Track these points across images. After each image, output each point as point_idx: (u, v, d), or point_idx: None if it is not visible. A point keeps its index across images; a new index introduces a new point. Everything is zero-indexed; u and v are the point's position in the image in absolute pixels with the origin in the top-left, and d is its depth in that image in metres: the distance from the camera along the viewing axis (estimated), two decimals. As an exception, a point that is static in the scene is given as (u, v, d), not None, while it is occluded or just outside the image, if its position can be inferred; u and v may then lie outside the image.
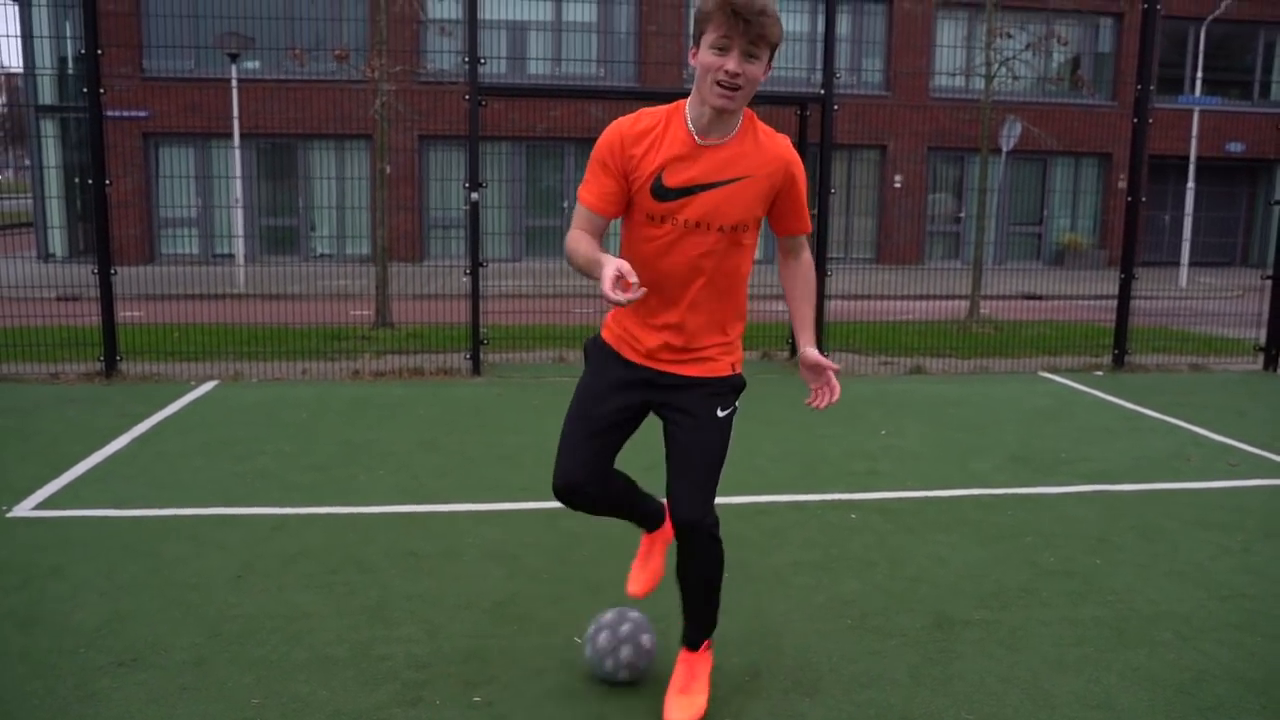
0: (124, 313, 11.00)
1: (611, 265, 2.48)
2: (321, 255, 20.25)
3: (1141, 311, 9.28)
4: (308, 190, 21.43)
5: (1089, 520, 4.86)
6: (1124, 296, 9.07)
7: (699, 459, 2.84)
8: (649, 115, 2.74)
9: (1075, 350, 9.75)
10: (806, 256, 2.96)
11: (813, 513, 4.93)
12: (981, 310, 12.24)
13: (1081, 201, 24.26)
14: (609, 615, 3.25)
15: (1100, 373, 8.94)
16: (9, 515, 4.78)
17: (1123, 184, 23.18)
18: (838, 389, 2.92)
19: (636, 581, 3.35)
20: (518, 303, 10.10)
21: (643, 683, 3.23)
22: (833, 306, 9.23)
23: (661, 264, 2.75)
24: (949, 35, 21.50)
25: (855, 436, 6.49)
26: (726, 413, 2.89)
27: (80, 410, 6.94)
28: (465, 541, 4.48)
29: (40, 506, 4.92)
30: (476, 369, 8.37)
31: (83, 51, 7.70)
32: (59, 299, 9.45)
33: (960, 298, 12.79)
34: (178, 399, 7.29)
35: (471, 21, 7.96)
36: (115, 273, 7.99)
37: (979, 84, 12.78)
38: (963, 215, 22.79)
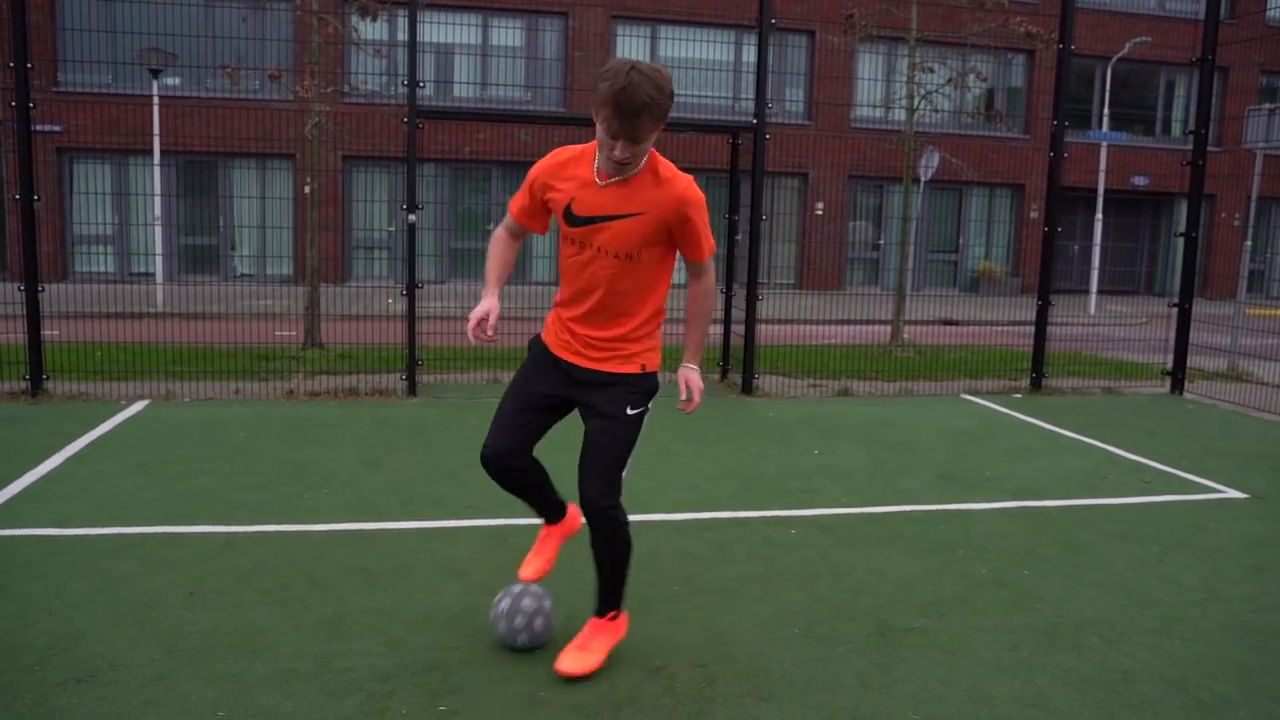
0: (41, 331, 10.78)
1: (481, 309, 3.24)
2: (242, 275, 19.96)
3: (1055, 337, 9.68)
4: (229, 209, 21.12)
5: (1016, 534, 5.10)
6: (1041, 322, 9.45)
7: (604, 448, 3.27)
8: (569, 152, 3.25)
9: (994, 374, 10.12)
10: (705, 281, 3.34)
11: (754, 528, 5.08)
12: (903, 335, 12.60)
13: (996, 230, 25.08)
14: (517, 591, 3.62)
15: (1019, 395, 9.30)
16: (-56, 535, 4.69)
17: (1035, 214, 24.05)
18: (695, 405, 3.38)
19: (530, 566, 3.69)
20: (450, 324, 10.10)
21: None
22: (760, 330, 9.44)
23: (576, 275, 3.27)
24: (869, 68, 22.11)
25: (789, 456, 6.67)
26: (636, 411, 3.31)
27: (7, 429, 6.80)
28: (417, 557, 4.53)
29: (-24, 526, 4.84)
30: (412, 389, 8.39)
31: (10, 64, 7.56)
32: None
33: (882, 322, 13.15)
34: (109, 418, 7.18)
35: (411, 45, 8.03)
36: (43, 289, 7.84)
37: (898, 115, 13.21)
38: (882, 242, 23.38)
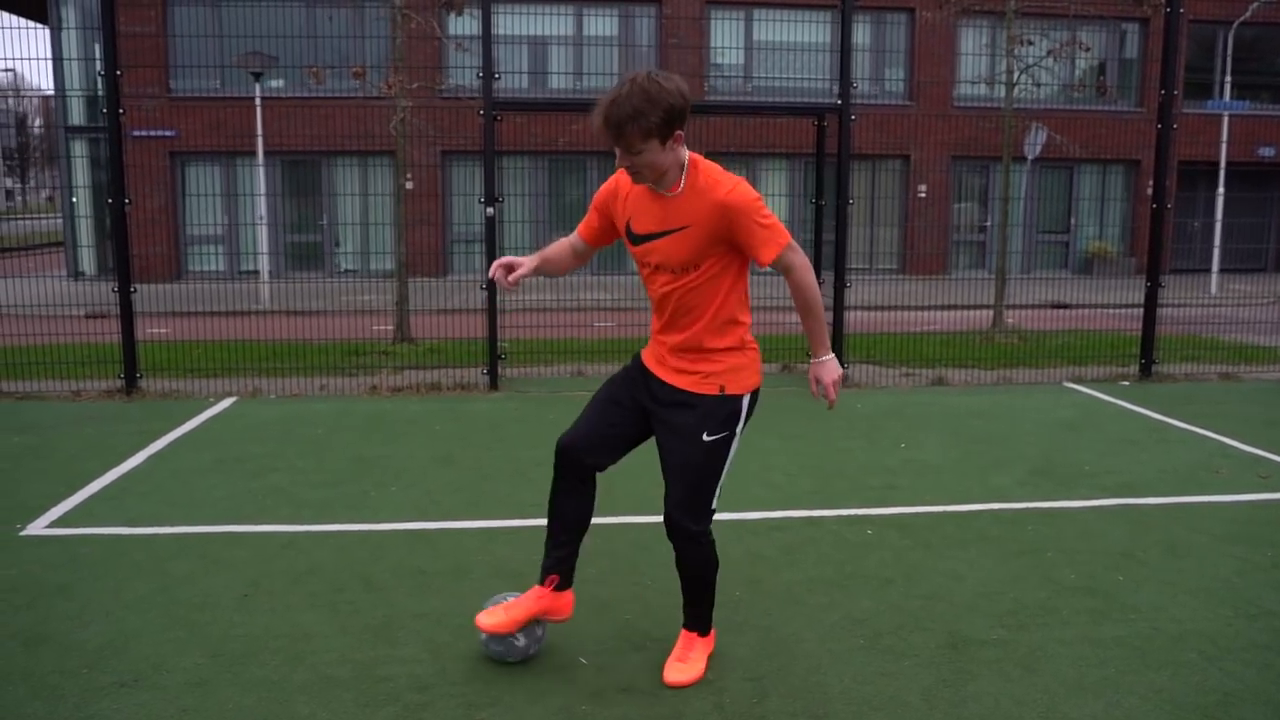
0: (149, 330, 11.09)
1: (514, 259, 3.28)
2: (346, 271, 20.36)
3: (1171, 320, 9.13)
4: (332, 207, 21.56)
5: (1112, 535, 4.74)
6: (1150, 304, 8.92)
7: (682, 474, 3.16)
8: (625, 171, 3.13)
9: (1102, 360, 9.60)
10: (793, 277, 3.09)
11: (828, 528, 4.84)
12: (1007, 320, 12.09)
13: (1109, 209, 24.02)
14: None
15: (1127, 383, 8.79)
16: (22, 534, 4.78)
17: (1150, 190, 22.95)
18: (831, 398, 3.25)
19: (492, 617, 3.37)
20: (537, 316, 10.05)
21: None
22: (853, 318, 9.13)
23: (648, 289, 3.23)
24: (971, 43, 21.38)
25: (874, 450, 6.39)
26: (714, 438, 3.14)
27: (99, 427, 6.96)
28: (474, 559, 4.43)
29: (53, 525, 4.91)
30: (494, 384, 8.34)
31: (101, 74, 7.73)
32: (87, 316, 9.48)
33: (985, 307, 12.64)
34: (196, 415, 7.30)
35: (486, 36, 7.94)
36: (135, 290, 8.02)
37: (1001, 92, 12.66)
38: (987, 224, 22.61)
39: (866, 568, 4.32)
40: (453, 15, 12.39)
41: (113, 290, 7.98)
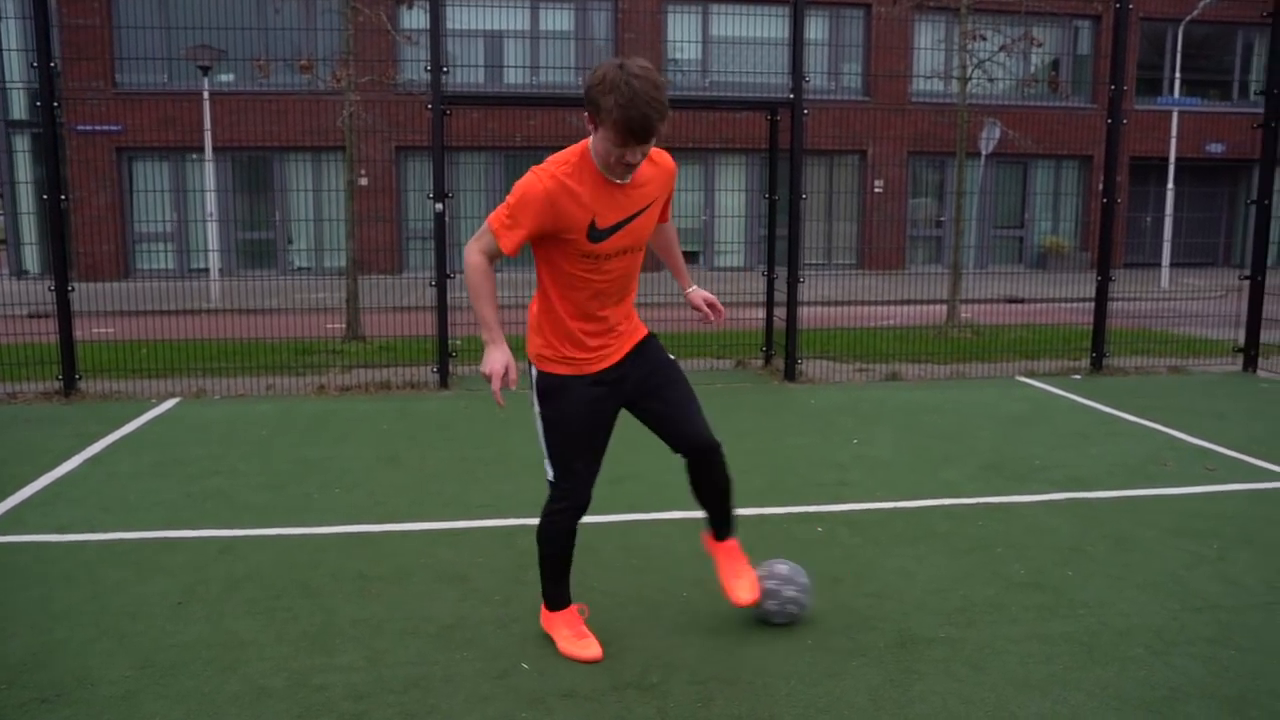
0: (95, 329, 10.84)
1: (501, 362, 3.11)
2: (299, 269, 20.08)
3: (1123, 314, 9.18)
4: (284, 203, 21.25)
5: (1061, 530, 4.73)
6: (1101, 298, 8.96)
7: (687, 396, 3.40)
8: (567, 166, 3.03)
9: (1054, 354, 9.65)
10: (671, 222, 3.55)
11: (778, 526, 4.79)
12: (962, 315, 12.14)
13: (1063, 204, 24.27)
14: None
15: (1078, 376, 8.84)
16: (-54, 542, 4.61)
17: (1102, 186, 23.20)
18: (723, 310, 3.58)
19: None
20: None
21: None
22: (808, 313, 9.10)
23: (598, 285, 3.18)
24: (927, 39, 21.48)
25: (826, 446, 6.36)
26: (674, 357, 3.47)
27: (34, 431, 6.77)
28: (417, 562, 4.33)
29: (-20, 532, 4.75)
30: (444, 382, 8.22)
31: (33, 65, 7.52)
32: (29, 316, 9.24)
33: (941, 302, 12.68)
34: (136, 417, 7.12)
35: (434, 29, 7.81)
36: (73, 289, 7.81)
37: (956, 87, 12.70)
38: (944, 219, 22.75)
39: (816, 566, 4.24)
40: (404, 9, 12.22)
41: (49, 289, 7.76)
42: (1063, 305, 13.78)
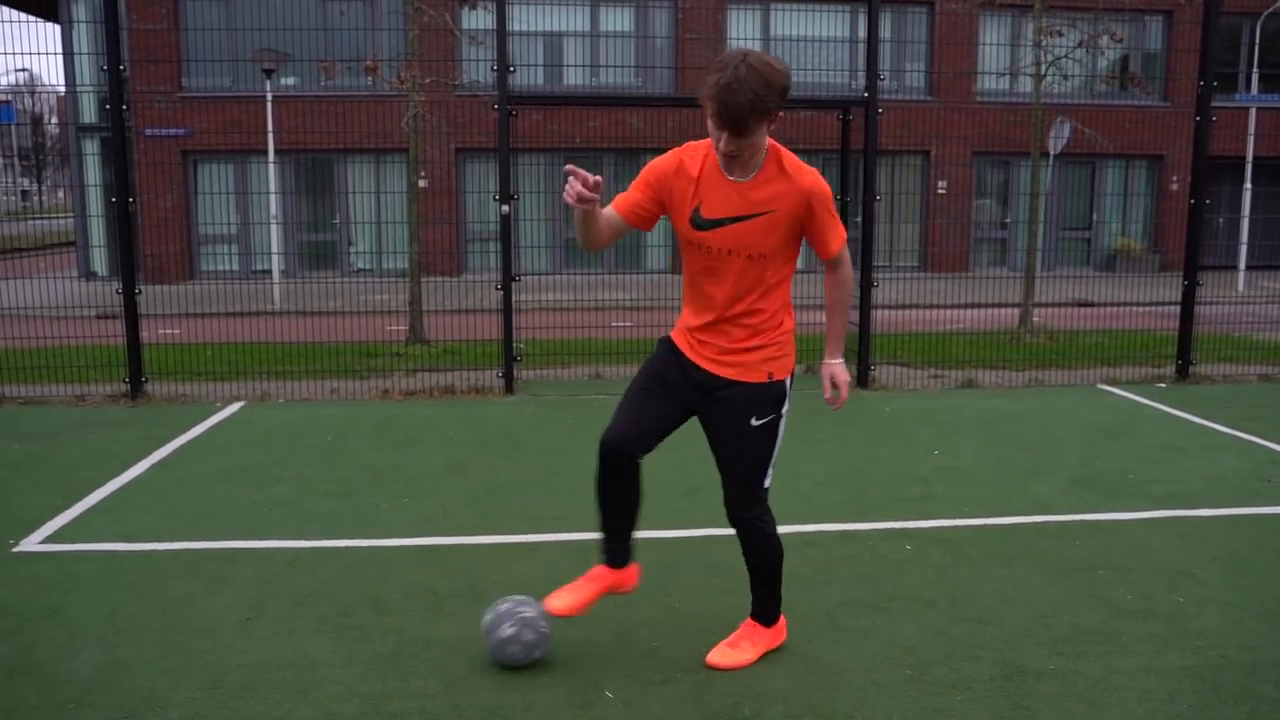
0: (160, 331, 10.90)
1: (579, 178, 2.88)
2: (360, 270, 20.15)
3: (1200, 318, 8.79)
4: (345, 205, 21.36)
5: (1165, 551, 4.46)
6: (1188, 303, 8.60)
7: (737, 462, 3.20)
8: (694, 151, 3.08)
9: (1135, 360, 9.29)
10: (841, 273, 3.23)
11: (864, 544, 4.58)
12: (1034, 319, 11.78)
13: (1132, 204, 23.61)
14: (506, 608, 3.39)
15: (1164, 384, 8.48)
16: (15, 550, 4.55)
17: (1176, 185, 22.53)
18: (843, 401, 3.33)
19: (561, 599, 3.37)
20: (553, 316, 9.82)
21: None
22: (879, 317, 8.84)
23: (700, 278, 3.13)
24: (993, 36, 21.03)
25: (906, 456, 6.12)
26: (762, 422, 3.16)
27: (101, 434, 6.74)
28: (490, 578, 4.18)
29: (48, 540, 4.69)
30: (509, 387, 8.09)
31: (103, 69, 7.51)
32: (97, 317, 9.28)
33: (1010, 306, 12.32)
34: (202, 421, 7.07)
35: (500, 28, 7.69)
36: (140, 292, 7.80)
37: (1024, 85, 12.36)
38: (1010, 220, 22.25)
39: (907, 588, 4.05)
40: (467, 10, 12.14)
41: (116, 292, 7.76)
42: (1136, 309, 13.34)
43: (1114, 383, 8.55)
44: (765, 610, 3.45)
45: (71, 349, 8.52)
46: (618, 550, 3.41)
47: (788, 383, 3.20)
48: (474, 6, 11.20)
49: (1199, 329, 8.81)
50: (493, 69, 7.79)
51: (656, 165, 3.09)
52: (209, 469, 5.85)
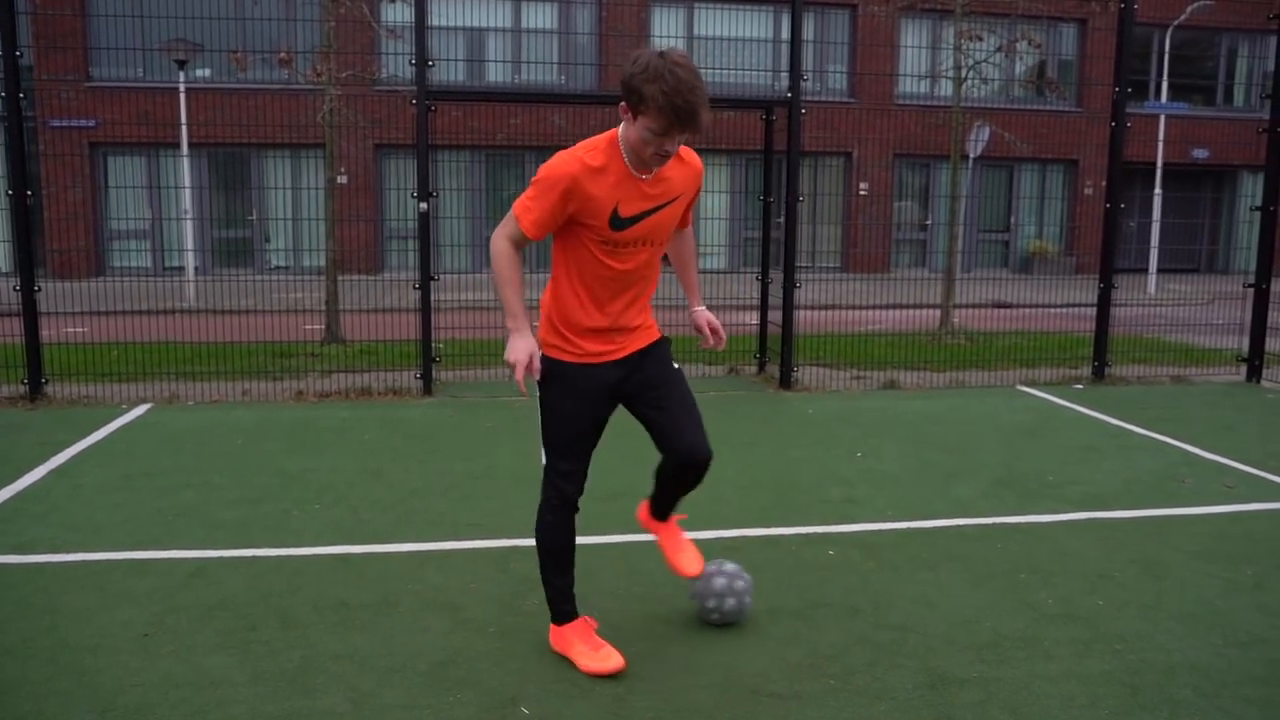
0: (67, 329, 10.46)
1: (525, 351, 3.06)
2: (276, 268, 19.66)
3: (1114, 320, 8.95)
4: (261, 201, 20.85)
5: (1085, 553, 4.49)
6: (1104, 305, 8.75)
7: (688, 405, 3.33)
8: (594, 152, 3.03)
9: (1052, 362, 9.43)
10: (689, 230, 3.48)
11: (787, 549, 4.52)
12: (954, 320, 11.93)
13: (1048, 208, 24.14)
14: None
15: (1080, 385, 8.62)
16: (-105, 563, 4.28)
17: (1089, 190, 23.10)
18: (724, 336, 3.49)
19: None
20: (473, 316, 9.62)
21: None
22: (800, 317, 8.84)
23: (613, 273, 3.15)
24: (914, 39, 21.31)
25: (829, 459, 6.10)
26: (679, 366, 3.41)
27: (-4, 439, 6.42)
28: (404, 588, 4.03)
29: (-68, 552, 4.42)
30: (428, 388, 7.91)
31: None
32: (3, 315, 8.86)
33: (930, 307, 12.47)
34: (105, 425, 6.78)
35: (419, 22, 7.50)
36: (39, 289, 7.46)
37: (944, 89, 12.52)
38: (929, 222, 22.58)
39: (831, 594, 4.00)
40: (386, 3, 11.90)
41: (14, 289, 7.41)
42: (1052, 311, 13.61)
43: (1032, 384, 8.67)
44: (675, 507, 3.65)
45: (-35, 349, 8.12)
46: (572, 604, 3.45)
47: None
48: (393, 0, 10.96)
49: (1113, 331, 8.98)
50: (411, 63, 7.61)
51: (562, 175, 2.98)
52: (111, 475, 5.59)
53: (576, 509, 3.33)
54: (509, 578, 4.13)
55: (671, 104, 2.81)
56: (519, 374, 3.05)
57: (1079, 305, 8.95)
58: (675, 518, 3.67)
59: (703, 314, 3.50)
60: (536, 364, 3.09)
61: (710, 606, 3.61)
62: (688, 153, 3.20)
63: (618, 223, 3.05)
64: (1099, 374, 8.79)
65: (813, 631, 3.65)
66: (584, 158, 3.01)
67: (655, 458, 3.42)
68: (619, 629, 3.64)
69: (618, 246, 3.10)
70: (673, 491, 3.51)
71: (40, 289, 7.48)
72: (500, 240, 3.09)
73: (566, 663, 3.39)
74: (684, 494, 3.53)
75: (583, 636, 3.38)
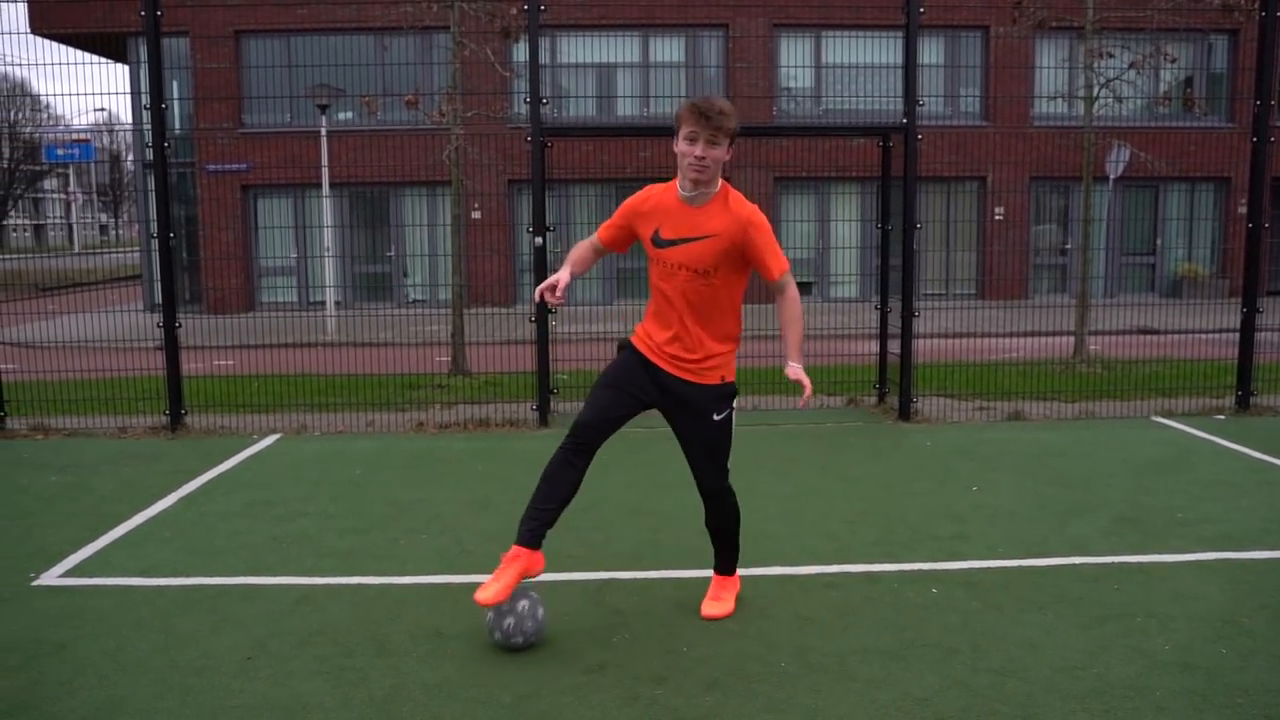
0: (217, 361, 11.04)
1: (552, 278, 3.77)
2: (414, 302, 20.31)
3: (1265, 346, 8.43)
4: (399, 237, 21.60)
5: (1211, 597, 4.22)
6: (1247, 331, 8.27)
7: (704, 451, 3.87)
8: (656, 189, 3.81)
9: (1194, 391, 8.94)
10: (788, 293, 3.79)
11: (888, 586, 4.39)
12: (1090, 347, 11.44)
13: (1198, 229, 22.98)
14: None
15: (1222, 416, 8.15)
16: (34, 584, 4.56)
17: (1243, 209, 21.88)
18: (808, 391, 3.81)
19: (489, 590, 3.66)
20: (592, 348, 9.72)
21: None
22: (924, 346, 8.64)
23: (663, 289, 3.77)
24: (1049, 58, 20.67)
25: (943, 494, 5.91)
26: (721, 416, 3.85)
27: (136, 467, 6.79)
28: (498, 619, 4.07)
29: (68, 574, 4.69)
30: (544, 420, 8.02)
31: (145, 107, 7.64)
32: (157, 349, 9.37)
33: (1067, 334, 11.99)
34: (235, 454, 7.10)
35: (533, 60, 7.68)
36: (180, 325, 7.88)
37: (1080, 109, 12.07)
38: (1068, 246, 21.78)
39: (929, 634, 3.86)
40: (513, 43, 12.21)
41: (157, 325, 7.85)
42: (1201, 337, 12.91)
43: (1169, 414, 8.23)
44: (729, 564, 4.15)
45: (121, 380, 8.63)
46: (539, 530, 3.81)
47: (734, 383, 3.90)
48: (517, 40, 11.25)
49: (1261, 357, 8.46)
50: (526, 101, 7.78)
51: (633, 199, 3.84)
52: (234, 503, 5.85)
53: (576, 461, 3.78)
54: (602, 610, 4.13)
55: (691, 104, 3.54)
56: (540, 287, 3.78)
57: (1230, 330, 8.46)
58: (719, 577, 4.19)
59: (792, 369, 3.84)
60: (561, 286, 3.73)
61: (507, 631, 3.72)
62: (738, 203, 3.68)
63: (658, 241, 3.72)
64: (1243, 404, 8.29)
65: (906, 673, 3.53)
66: (648, 191, 3.81)
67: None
68: (703, 659, 3.59)
69: (662, 265, 3.72)
70: (713, 533, 4.09)
71: (180, 324, 7.90)
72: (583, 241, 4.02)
73: (650, 699, 3.36)
74: (717, 535, 4.08)
75: (505, 559, 3.76)
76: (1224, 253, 21.87)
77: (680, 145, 3.59)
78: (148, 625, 4.05)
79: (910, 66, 7.88)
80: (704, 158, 3.54)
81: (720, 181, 3.69)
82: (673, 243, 3.68)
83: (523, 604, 3.73)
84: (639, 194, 3.83)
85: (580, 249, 3.98)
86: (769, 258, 3.68)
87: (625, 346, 3.91)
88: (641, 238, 3.81)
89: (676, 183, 3.72)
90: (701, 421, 3.81)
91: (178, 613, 4.19)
